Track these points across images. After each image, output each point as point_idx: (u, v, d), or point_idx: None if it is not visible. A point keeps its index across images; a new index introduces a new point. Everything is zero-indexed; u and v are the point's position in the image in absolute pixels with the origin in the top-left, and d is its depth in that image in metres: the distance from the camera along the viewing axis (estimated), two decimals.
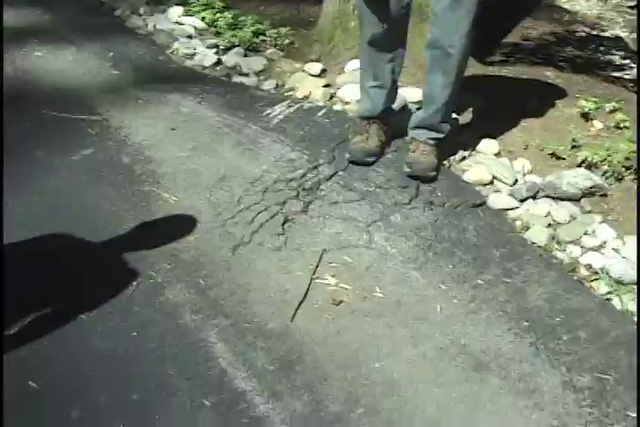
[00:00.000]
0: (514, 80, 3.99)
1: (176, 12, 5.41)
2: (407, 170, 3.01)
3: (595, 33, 7.33)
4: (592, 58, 6.01)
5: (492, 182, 3.03)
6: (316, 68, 3.98)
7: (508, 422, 2.00)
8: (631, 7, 9.14)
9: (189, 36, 5.04)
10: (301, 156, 3.17)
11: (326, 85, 3.82)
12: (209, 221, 2.77)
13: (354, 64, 3.93)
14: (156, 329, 2.24)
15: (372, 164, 3.12)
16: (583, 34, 7.15)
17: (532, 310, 2.45)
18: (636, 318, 2.47)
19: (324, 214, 2.82)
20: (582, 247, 2.74)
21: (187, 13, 5.46)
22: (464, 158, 3.15)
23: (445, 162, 3.16)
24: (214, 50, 4.75)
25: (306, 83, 3.83)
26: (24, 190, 2.89)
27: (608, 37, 7.26)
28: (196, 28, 5.18)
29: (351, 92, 3.66)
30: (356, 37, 3.98)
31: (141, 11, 5.55)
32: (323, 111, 3.57)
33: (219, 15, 5.32)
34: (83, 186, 2.99)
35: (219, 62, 4.48)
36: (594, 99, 3.62)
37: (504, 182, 2.99)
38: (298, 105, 3.64)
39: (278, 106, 3.64)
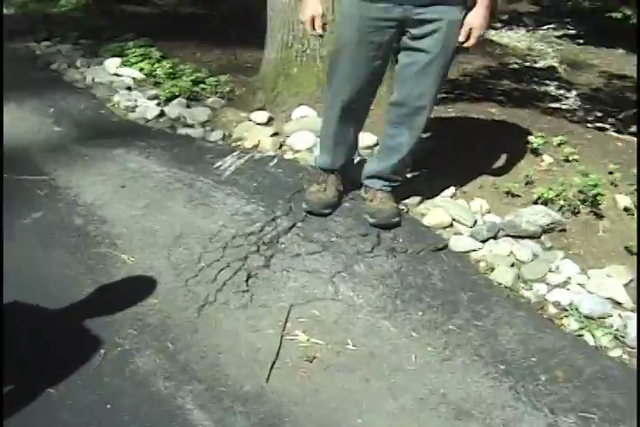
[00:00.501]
0: (461, 119, 4.05)
1: (113, 63, 5.37)
2: (371, 220, 3.00)
3: (527, 64, 7.53)
4: (528, 90, 6.14)
5: (451, 225, 3.03)
6: (262, 116, 3.97)
7: None
8: (558, 37, 9.42)
9: (129, 88, 5.00)
10: (257, 208, 3.13)
11: (274, 134, 3.80)
12: (170, 281, 2.71)
13: (300, 111, 3.94)
14: (130, 400, 2.16)
15: (329, 215, 3.08)
16: (516, 66, 7.34)
17: (506, 353, 2.44)
18: (610, 353, 2.47)
19: (286, 268, 2.78)
20: (548, 284, 2.75)
21: (124, 65, 5.42)
22: (421, 202, 3.15)
23: (403, 207, 3.15)
24: (155, 101, 4.70)
25: (253, 132, 3.81)
26: None
27: (541, 68, 7.46)
28: (134, 79, 5.15)
29: (301, 140, 3.65)
30: (298, 84, 4.01)
31: (78, 63, 5.50)
32: (274, 161, 3.54)
33: (157, 65, 5.30)
34: (35, 250, 2.90)
35: (162, 114, 4.43)
36: (540, 133, 3.69)
37: (463, 224, 3.00)
38: (248, 155, 3.61)
39: (228, 157, 3.61)
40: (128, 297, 2.65)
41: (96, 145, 3.92)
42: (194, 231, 2.99)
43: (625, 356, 2.50)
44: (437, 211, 3.04)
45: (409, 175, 3.22)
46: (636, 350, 2.51)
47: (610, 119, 5.57)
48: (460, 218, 3.00)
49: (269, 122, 3.99)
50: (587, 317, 2.60)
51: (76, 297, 2.62)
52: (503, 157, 3.54)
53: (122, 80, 5.08)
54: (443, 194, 3.20)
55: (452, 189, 3.22)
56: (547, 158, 3.55)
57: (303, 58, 4.10)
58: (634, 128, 5.37)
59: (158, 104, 4.66)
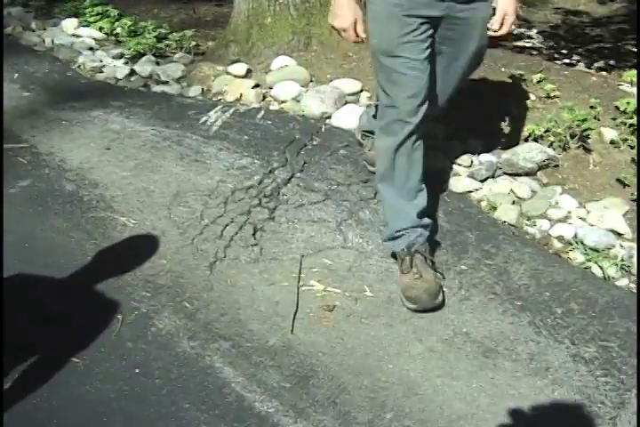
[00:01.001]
0: None
1: (70, 24, 5.21)
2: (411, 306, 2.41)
3: None
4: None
5: (449, 168, 3.03)
6: (240, 69, 3.89)
7: (534, 404, 2.01)
8: None
9: (91, 48, 4.87)
10: (253, 161, 3.10)
11: (256, 85, 3.74)
12: (176, 240, 2.68)
13: (280, 61, 3.87)
14: (157, 363, 2.14)
15: (441, 305, 2.42)
16: None
17: (520, 289, 2.47)
18: (618, 283, 2.53)
19: (292, 219, 2.77)
20: (550, 220, 2.79)
21: (82, 25, 5.26)
22: None
23: None
24: (122, 60, 4.59)
25: (234, 85, 3.74)
26: None
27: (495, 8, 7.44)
28: (95, 39, 5.02)
29: (285, 90, 3.61)
30: (273, 34, 3.95)
31: (33, 26, 5.31)
32: (261, 113, 3.50)
33: (117, 24, 5.15)
34: (30, 220, 2.83)
35: (132, 73, 4.33)
36: (519, 72, 3.68)
37: (462, 165, 3.01)
38: (232, 109, 3.56)
39: (212, 112, 3.55)
40: (135, 260, 2.61)
41: (70, 108, 3.82)
42: (191, 189, 2.96)
43: (632, 285, 2.57)
44: (434, 153, 3.02)
45: None
46: None
47: (575, 56, 5.61)
48: (458, 159, 3.00)
49: (248, 74, 3.92)
50: (592, 249, 2.65)
51: (80, 264, 2.57)
52: (489, 96, 3.53)
53: (82, 41, 4.94)
54: (436, 137, 3.18)
55: (440, 130, 3.20)
56: (529, 96, 3.55)
57: (276, 7, 4.02)
58: (600, 63, 5.42)
59: (126, 63, 4.55)
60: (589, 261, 2.62)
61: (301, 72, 3.68)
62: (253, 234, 2.69)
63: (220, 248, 2.62)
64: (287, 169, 3.03)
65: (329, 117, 3.36)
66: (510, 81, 3.62)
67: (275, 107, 3.57)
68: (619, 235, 2.73)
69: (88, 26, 5.23)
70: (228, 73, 3.93)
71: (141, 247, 2.68)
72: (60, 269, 2.52)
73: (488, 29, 2.41)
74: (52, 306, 2.36)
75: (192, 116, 3.55)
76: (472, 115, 3.38)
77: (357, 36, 2.36)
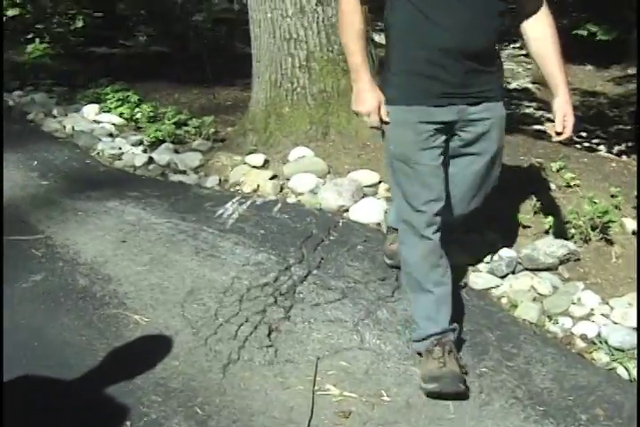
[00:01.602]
0: None
1: (92, 110, 5.32)
2: (388, 261, 2.81)
3: None
4: (510, 113, 6.14)
5: (468, 263, 2.98)
6: (257, 159, 3.91)
7: None
8: (525, 55, 9.51)
9: (110, 135, 4.94)
10: (269, 257, 3.07)
11: (273, 177, 3.75)
12: (189, 340, 2.63)
13: (297, 152, 3.90)
14: None
15: (466, 391, 2.38)
16: None
17: (542, 393, 2.39)
18: None
19: (308, 319, 2.72)
20: (572, 318, 2.72)
21: (102, 111, 5.36)
22: None
23: None
24: (141, 147, 4.65)
25: (251, 176, 3.76)
26: None
27: (516, 89, 7.52)
28: (115, 124, 5.10)
29: (302, 182, 3.62)
30: (291, 124, 3.98)
31: (55, 112, 5.43)
32: (278, 206, 3.49)
33: (137, 109, 5.24)
34: (41, 317, 2.79)
35: (150, 161, 4.37)
36: (539, 159, 3.66)
37: (482, 261, 2.95)
38: (249, 201, 3.56)
39: (229, 204, 3.55)
40: (147, 361, 2.56)
41: (87, 198, 3.85)
42: (206, 285, 2.92)
43: None
44: (452, 247, 2.98)
45: None
46: None
47: (595, 139, 5.63)
48: (476, 254, 2.95)
49: (265, 164, 3.94)
50: (616, 349, 2.56)
51: (91, 365, 2.51)
52: (507, 187, 3.49)
53: (102, 127, 5.03)
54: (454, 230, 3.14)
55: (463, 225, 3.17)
56: (549, 185, 3.53)
57: (294, 97, 4.07)
58: (621, 147, 5.42)
59: (144, 151, 4.60)
60: (614, 361, 2.54)
61: (319, 163, 3.69)
62: (268, 334, 2.63)
63: (234, 349, 2.56)
64: (304, 266, 3.00)
65: (346, 211, 3.35)
66: (530, 170, 3.59)
67: (292, 199, 3.57)
68: None
69: (109, 111, 5.33)
70: (245, 163, 3.94)
71: (154, 347, 2.63)
72: (69, 370, 2.48)
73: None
74: (60, 410, 2.29)
75: (209, 209, 3.55)
76: (491, 207, 3.34)
77: (381, 120, 2.37)
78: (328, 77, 4.04)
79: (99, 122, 5.17)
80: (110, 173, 4.28)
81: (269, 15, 4.00)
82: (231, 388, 2.40)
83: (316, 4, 3.93)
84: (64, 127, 5.12)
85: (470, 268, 3.01)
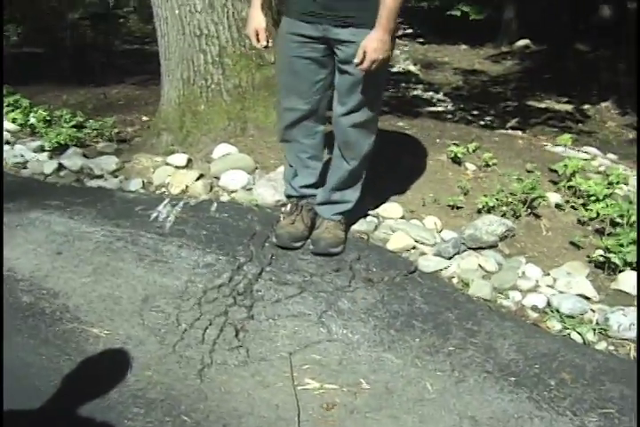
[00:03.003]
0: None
1: None
2: (311, 248, 3.06)
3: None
4: (401, 96, 6.34)
5: (414, 247, 3.08)
6: (180, 159, 3.86)
7: None
8: (399, 37, 9.74)
9: (7, 142, 4.73)
10: (218, 258, 3.06)
11: (200, 176, 3.70)
12: (156, 349, 2.60)
13: (221, 149, 3.86)
14: None
15: (299, 248, 3.07)
16: None
17: (510, 365, 2.52)
18: (597, 347, 2.61)
19: (271, 316, 2.74)
20: (521, 291, 2.87)
21: None
22: (376, 228, 3.19)
23: (363, 235, 3.19)
24: (45, 154, 4.48)
25: (177, 177, 3.70)
26: None
27: (400, 72, 7.71)
28: (9, 131, 4.88)
29: (233, 179, 3.59)
30: (208, 121, 3.96)
31: None
32: (214, 206, 3.47)
33: (32, 114, 5.06)
34: None
35: (60, 167, 4.22)
36: (455, 142, 3.81)
37: (427, 244, 3.07)
38: (182, 202, 3.52)
39: (161, 207, 3.50)
40: (117, 374, 2.52)
41: (6, 211, 3.68)
42: (159, 291, 2.89)
43: (611, 347, 2.66)
44: (399, 234, 3.09)
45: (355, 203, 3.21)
46: (620, 341, 2.65)
47: (488, 116, 5.88)
48: (421, 239, 3.08)
49: (189, 164, 3.88)
50: (567, 316, 2.72)
51: (58, 384, 2.43)
52: (431, 171, 3.63)
53: None
54: (393, 215, 3.24)
55: (399, 211, 3.28)
56: (469, 166, 3.70)
57: (209, 93, 4.04)
58: (511, 123, 5.69)
59: (50, 157, 4.44)
60: (567, 328, 2.69)
61: (246, 159, 3.69)
62: (236, 335, 2.64)
63: (206, 353, 2.56)
64: (255, 263, 3.01)
65: (284, 205, 3.35)
66: (448, 153, 3.73)
67: (225, 198, 3.55)
68: (587, 299, 2.81)
69: None
70: (167, 164, 3.87)
71: (121, 359, 2.58)
72: (37, 393, 2.39)
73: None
74: None
75: (141, 213, 3.48)
76: (418, 189, 3.47)
77: (259, 42, 2.90)
78: (242, 72, 4.03)
79: None
80: (20, 182, 4.11)
81: (177, 11, 3.95)
82: (212, 393, 2.40)
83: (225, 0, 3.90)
84: None
85: (417, 252, 3.10)
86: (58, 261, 3.15)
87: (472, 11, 8.64)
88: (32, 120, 5.02)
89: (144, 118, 5.87)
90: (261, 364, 2.53)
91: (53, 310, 2.83)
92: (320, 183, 3.14)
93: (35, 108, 5.19)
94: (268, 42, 2.90)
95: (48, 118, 4.97)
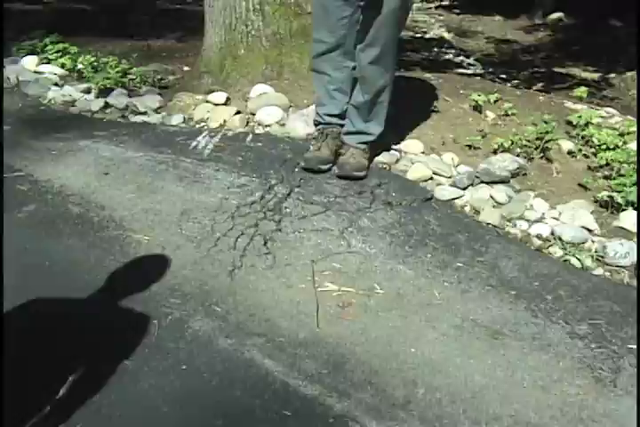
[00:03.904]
0: (408, 84, 4.35)
1: (31, 61, 5.35)
2: (336, 171, 3.36)
3: (419, 36, 7.96)
4: (432, 59, 6.56)
5: (431, 178, 3.34)
6: (220, 97, 4.13)
7: (546, 375, 2.29)
8: (436, 8, 9.92)
9: (56, 84, 5.01)
10: (251, 180, 3.33)
11: (237, 112, 3.97)
12: (192, 252, 2.88)
13: (258, 89, 4.13)
14: (201, 359, 2.33)
15: (325, 171, 3.38)
16: (410, 38, 7.76)
17: (512, 281, 2.77)
18: (594, 272, 2.86)
19: (297, 229, 3.01)
20: (528, 221, 3.11)
21: (42, 62, 5.41)
22: (398, 160, 3.45)
23: (385, 165, 3.45)
24: (92, 94, 4.76)
25: (216, 112, 3.98)
26: None
27: (432, 38, 7.92)
28: (57, 75, 5.16)
29: (269, 114, 3.85)
30: (247, 64, 4.23)
31: None
32: (250, 136, 3.74)
33: (80, 60, 5.32)
34: (45, 241, 2.97)
35: (106, 105, 4.50)
36: (478, 93, 4.04)
37: (443, 176, 3.33)
38: (220, 134, 3.79)
39: (200, 137, 3.77)
40: (157, 271, 2.79)
41: (56, 139, 3.97)
42: (196, 206, 3.16)
43: (607, 273, 2.90)
44: (418, 166, 3.34)
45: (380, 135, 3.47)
46: (615, 268, 2.90)
47: (514, 80, 6.07)
48: (439, 171, 3.33)
49: (227, 102, 4.16)
50: (568, 243, 2.97)
51: (105, 278, 2.72)
52: (453, 115, 3.88)
53: (46, 77, 5.08)
54: (414, 151, 3.50)
55: (420, 147, 3.53)
56: (489, 114, 3.93)
57: (249, 39, 4.30)
58: (538, 86, 5.89)
59: (97, 97, 4.71)
60: (567, 254, 2.94)
61: (281, 98, 3.95)
62: (264, 244, 2.91)
63: (236, 258, 2.83)
64: (285, 185, 3.28)
65: (314, 138, 3.62)
66: (472, 101, 3.96)
67: (260, 131, 3.82)
68: (589, 231, 3.06)
69: (49, 63, 5.37)
70: (207, 101, 4.15)
71: (161, 260, 2.86)
72: (85, 285, 2.68)
73: None
74: (90, 317, 2.52)
75: (181, 142, 3.76)
76: (439, 130, 3.72)
77: None
78: (281, 20, 4.28)
79: (41, 73, 5.21)
80: (69, 117, 4.39)
81: None
82: (241, 289, 2.68)
83: None
84: (8, 78, 5.14)
85: (434, 182, 3.36)
86: (105, 180, 3.44)
87: None
88: (80, 65, 5.28)
89: (185, 68, 6.14)
90: (286, 268, 2.80)
91: (100, 219, 3.12)
92: (345, 114, 3.39)
93: (83, 55, 5.45)
94: None
95: (95, 64, 5.22)
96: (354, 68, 3.33)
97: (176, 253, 2.88)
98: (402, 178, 3.39)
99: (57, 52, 5.52)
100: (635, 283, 2.81)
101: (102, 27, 7.15)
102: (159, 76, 5.16)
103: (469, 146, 3.58)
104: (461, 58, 7.00)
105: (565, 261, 2.93)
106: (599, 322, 2.56)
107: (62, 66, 5.34)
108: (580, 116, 3.76)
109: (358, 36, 3.15)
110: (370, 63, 3.12)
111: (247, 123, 3.91)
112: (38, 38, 5.82)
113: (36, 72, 5.26)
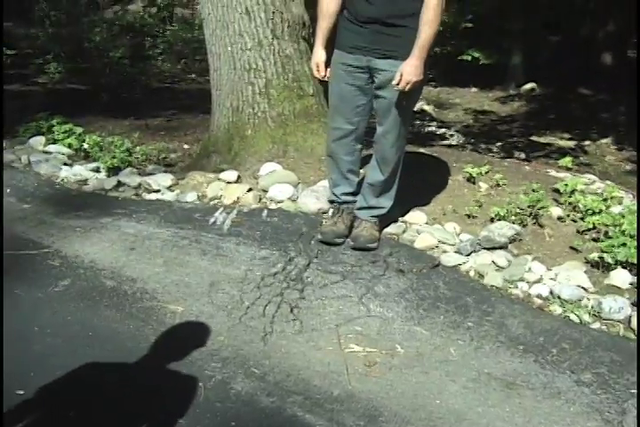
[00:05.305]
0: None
1: (38, 142, 5.61)
2: (351, 243, 3.65)
3: None
4: (418, 132, 6.98)
5: (437, 246, 3.66)
6: (231, 175, 4.43)
7: (559, 419, 2.57)
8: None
9: (65, 163, 5.27)
10: (272, 252, 3.62)
11: (249, 189, 4.29)
12: (225, 321, 3.14)
13: (268, 167, 4.45)
14: (248, 416, 2.57)
15: (340, 244, 3.66)
16: None
17: (519, 337, 3.07)
18: (592, 326, 3.16)
19: (320, 297, 3.29)
20: (528, 282, 3.43)
21: (49, 142, 5.68)
22: (405, 230, 3.77)
23: (395, 236, 3.77)
24: (103, 173, 5.04)
25: (229, 190, 4.28)
26: (25, 328, 3.03)
27: (415, 111, 8.38)
28: (65, 154, 5.43)
29: (280, 191, 4.17)
30: (254, 144, 4.56)
31: (5, 144, 5.67)
32: (265, 212, 4.05)
33: (87, 140, 5.61)
34: (85, 313, 3.19)
35: (119, 184, 4.77)
36: (470, 165, 4.41)
37: (448, 244, 3.64)
38: (235, 210, 4.09)
39: (217, 213, 4.07)
40: (195, 339, 3.04)
41: (77, 217, 4.23)
42: (223, 278, 3.44)
43: (603, 327, 3.20)
44: (424, 236, 3.67)
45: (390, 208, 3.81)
46: (611, 322, 3.21)
47: (495, 150, 6.49)
48: (444, 239, 3.65)
49: (238, 180, 4.47)
50: (567, 301, 3.28)
51: (147, 346, 2.96)
52: (450, 187, 4.23)
53: (55, 157, 5.34)
54: (419, 221, 3.83)
55: (424, 218, 3.86)
56: (483, 185, 4.28)
57: (255, 120, 4.65)
58: (520, 155, 6.31)
59: (108, 175, 5.00)
60: (566, 311, 3.25)
61: (290, 175, 4.28)
62: (291, 311, 3.18)
63: (267, 324, 3.10)
64: (304, 256, 3.57)
65: (325, 212, 3.95)
66: (465, 174, 4.33)
67: (273, 206, 4.13)
68: (584, 289, 3.37)
69: (55, 143, 5.65)
70: (219, 179, 4.46)
71: (197, 328, 3.11)
72: (129, 352, 2.92)
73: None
74: (139, 381, 2.75)
75: (199, 218, 4.05)
76: (439, 202, 4.06)
77: (319, 72, 3.53)
78: (285, 102, 4.65)
79: (49, 152, 5.46)
80: (85, 195, 4.64)
81: (229, 48, 4.58)
82: (274, 353, 2.94)
83: (272, 39, 4.54)
84: (19, 158, 5.40)
85: (440, 249, 3.68)
86: (132, 255, 3.71)
87: (482, 56, 9.35)
88: (86, 145, 5.59)
89: (185, 146, 6.53)
90: (314, 333, 3.07)
91: (134, 291, 3.38)
92: (357, 191, 3.73)
93: (87, 136, 5.76)
94: (325, 73, 3.52)
95: (101, 144, 5.54)
96: (361, 150, 3.69)
97: (210, 322, 3.13)
98: (410, 247, 3.70)
99: (64, 132, 5.81)
100: (630, 335, 3.09)
101: (100, 106, 7.49)
102: (163, 155, 5.49)
103: (468, 215, 3.91)
104: (443, 130, 7.43)
105: (565, 317, 3.22)
106: (602, 371, 2.85)
107: (69, 146, 5.59)
108: (566, 185, 4.12)
109: (377, 121, 3.51)
110: (391, 146, 3.49)
111: (260, 199, 4.21)
112: (44, 119, 6.11)
113: (44, 152, 5.51)
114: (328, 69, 3.52)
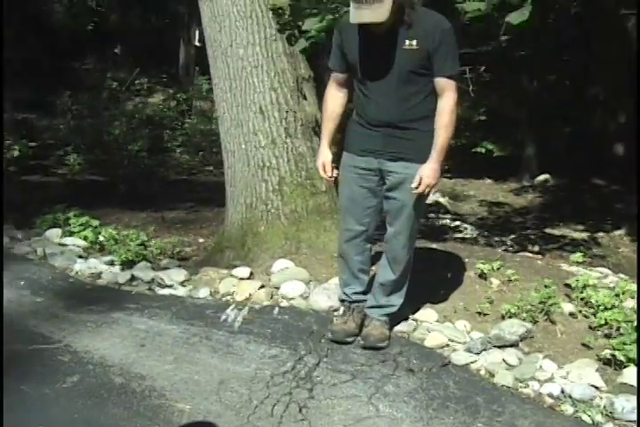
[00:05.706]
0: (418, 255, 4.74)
1: (54, 234, 5.68)
2: (361, 342, 3.65)
3: None
4: (430, 225, 7.05)
5: (447, 344, 3.65)
6: (244, 271, 4.47)
7: None
8: None
9: (80, 256, 5.33)
10: (282, 351, 3.62)
11: (262, 286, 4.33)
12: (233, 420, 3.11)
13: (280, 264, 4.50)
14: None
15: (351, 343, 3.65)
16: None
17: None
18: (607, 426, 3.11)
19: (329, 396, 3.27)
20: (539, 381, 3.39)
21: (65, 235, 5.75)
22: (415, 328, 3.78)
23: (405, 335, 3.77)
24: (116, 266, 5.08)
25: (241, 286, 4.31)
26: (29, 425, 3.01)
27: (430, 204, 8.49)
28: (80, 247, 5.49)
29: (292, 288, 4.21)
30: (267, 241, 4.62)
31: (20, 236, 5.74)
32: (276, 309, 4.07)
33: (103, 233, 5.69)
34: (92, 410, 3.16)
35: (133, 278, 4.81)
36: (482, 261, 4.44)
37: (458, 342, 3.64)
38: (247, 307, 4.12)
39: (229, 310, 4.09)
40: None
41: (89, 311, 4.25)
42: (232, 376, 3.43)
43: None
44: (434, 334, 3.67)
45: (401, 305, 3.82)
46: (624, 422, 3.15)
47: (509, 242, 6.53)
48: (454, 337, 3.65)
49: (251, 276, 4.52)
50: (578, 401, 3.24)
51: None
52: (461, 284, 4.25)
53: (70, 249, 5.40)
54: (429, 319, 3.83)
55: (434, 315, 3.87)
56: (494, 281, 4.30)
57: (269, 217, 4.73)
58: (534, 248, 6.33)
59: (122, 269, 5.04)
60: (578, 411, 3.20)
61: (302, 272, 4.33)
62: (300, 411, 3.15)
63: (275, 424, 3.07)
64: (314, 355, 3.57)
65: (336, 310, 3.97)
66: (477, 269, 4.35)
67: (285, 304, 4.15)
68: (596, 388, 3.33)
69: (71, 235, 5.72)
70: (232, 275, 4.50)
71: None
72: None
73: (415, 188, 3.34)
74: None
75: (211, 315, 4.07)
76: (450, 299, 4.07)
77: (325, 173, 3.60)
78: (298, 199, 4.74)
79: (64, 245, 5.53)
80: (98, 289, 4.68)
81: (244, 146, 4.72)
82: None
83: (286, 137, 4.68)
84: (35, 251, 5.46)
85: (451, 348, 3.67)
86: (142, 352, 3.72)
87: (496, 148, 9.53)
88: (101, 238, 5.67)
89: (200, 240, 6.61)
90: None
91: (142, 389, 3.37)
92: (368, 290, 3.77)
93: (103, 228, 5.84)
94: (332, 173, 3.59)
95: (116, 237, 5.61)
96: (371, 249, 3.75)
97: (218, 421, 3.11)
98: (420, 345, 3.69)
99: (80, 225, 5.88)
100: None
101: (118, 198, 7.63)
102: (177, 249, 5.55)
103: (479, 312, 3.91)
104: (457, 222, 7.49)
105: (577, 417, 3.17)
106: None
107: (85, 238, 5.66)
108: (577, 280, 4.12)
109: (388, 221, 3.55)
110: (403, 247, 3.53)
111: (272, 296, 4.25)
112: (61, 211, 6.21)
113: (60, 244, 5.58)
114: (335, 170, 3.60)
